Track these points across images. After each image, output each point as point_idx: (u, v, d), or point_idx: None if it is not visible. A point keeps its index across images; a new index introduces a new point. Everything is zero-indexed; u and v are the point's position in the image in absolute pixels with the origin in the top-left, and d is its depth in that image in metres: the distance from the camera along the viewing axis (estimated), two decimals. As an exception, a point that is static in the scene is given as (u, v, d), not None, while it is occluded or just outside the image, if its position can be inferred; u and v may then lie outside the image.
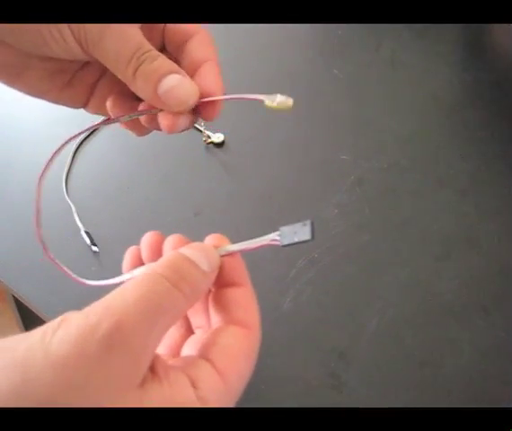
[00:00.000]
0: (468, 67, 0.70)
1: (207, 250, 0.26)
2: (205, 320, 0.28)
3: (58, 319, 0.21)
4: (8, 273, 0.53)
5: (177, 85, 0.29)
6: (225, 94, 0.35)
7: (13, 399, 0.20)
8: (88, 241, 0.53)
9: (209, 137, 0.60)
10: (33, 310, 0.50)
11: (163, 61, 0.29)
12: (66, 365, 0.20)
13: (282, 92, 0.30)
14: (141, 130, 0.32)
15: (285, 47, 0.73)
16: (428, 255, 0.52)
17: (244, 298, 0.27)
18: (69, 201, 0.57)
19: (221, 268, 0.26)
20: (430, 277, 0.50)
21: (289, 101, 0.31)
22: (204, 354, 0.24)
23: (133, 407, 0.21)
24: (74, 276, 0.34)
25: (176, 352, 0.29)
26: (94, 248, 0.53)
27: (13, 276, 0.52)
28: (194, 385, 0.22)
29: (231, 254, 0.28)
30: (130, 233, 0.55)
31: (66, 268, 0.34)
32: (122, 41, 0.28)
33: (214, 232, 0.55)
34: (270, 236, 0.30)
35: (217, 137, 0.61)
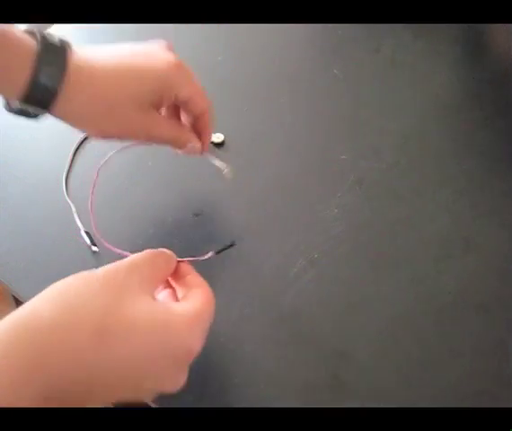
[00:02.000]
0: (468, 67, 0.70)
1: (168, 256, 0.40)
2: None
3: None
4: (8, 273, 0.53)
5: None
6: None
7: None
8: (88, 241, 0.53)
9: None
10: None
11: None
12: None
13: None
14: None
15: (285, 47, 0.73)
16: (428, 255, 0.52)
17: (194, 277, 0.39)
18: (69, 201, 0.57)
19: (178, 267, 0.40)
20: (430, 277, 0.50)
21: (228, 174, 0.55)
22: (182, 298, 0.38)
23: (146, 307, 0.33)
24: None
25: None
26: (94, 248, 0.53)
27: (13, 276, 0.52)
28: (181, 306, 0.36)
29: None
30: (130, 233, 0.55)
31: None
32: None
33: (214, 232, 0.56)
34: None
35: (217, 137, 0.61)
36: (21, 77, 0.42)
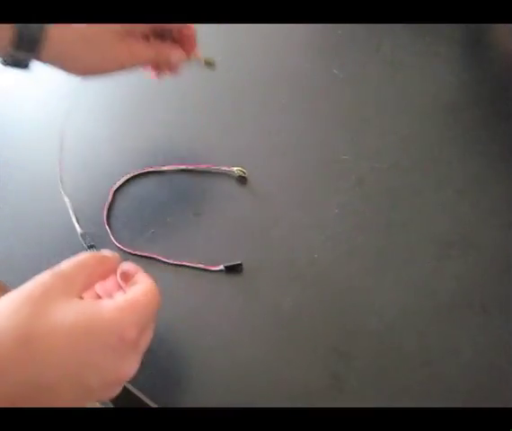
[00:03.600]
0: (468, 67, 0.70)
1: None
2: None
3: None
4: (8, 273, 0.53)
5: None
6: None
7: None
8: (84, 244, 0.53)
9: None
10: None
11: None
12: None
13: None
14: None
15: (285, 47, 0.73)
16: (428, 255, 0.52)
17: (142, 276, 0.40)
18: (67, 201, 0.57)
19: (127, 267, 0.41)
20: (430, 277, 0.50)
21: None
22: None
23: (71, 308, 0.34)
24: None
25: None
26: (91, 250, 0.53)
27: (13, 276, 0.52)
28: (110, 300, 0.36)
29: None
30: (130, 233, 0.55)
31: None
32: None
33: (214, 232, 0.56)
34: None
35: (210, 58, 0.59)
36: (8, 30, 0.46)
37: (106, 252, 0.40)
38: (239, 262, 0.51)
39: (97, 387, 0.34)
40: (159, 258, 0.52)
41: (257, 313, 0.49)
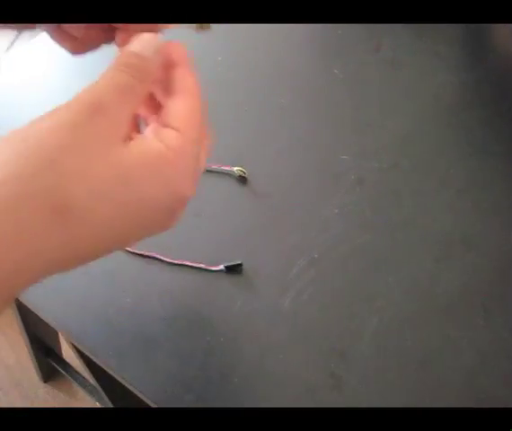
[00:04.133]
0: (468, 67, 0.70)
1: (150, 40, 0.32)
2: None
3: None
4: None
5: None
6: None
7: (19, 161, 0.25)
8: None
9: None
10: (33, 310, 0.50)
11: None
12: (58, 131, 0.26)
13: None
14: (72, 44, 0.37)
15: (285, 47, 0.73)
16: (428, 255, 0.52)
17: (182, 72, 0.33)
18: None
19: (165, 53, 0.33)
20: (430, 277, 0.50)
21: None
22: (162, 122, 0.31)
23: (117, 159, 0.27)
24: None
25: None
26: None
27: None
28: (160, 140, 0.29)
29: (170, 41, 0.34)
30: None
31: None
32: None
33: (214, 232, 0.56)
34: None
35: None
36: None
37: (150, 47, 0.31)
38: (239, 262, 0.51)
39: (134, 239, 0.31)
40: (159, 257, 0.52)
41: (257, 313, 0.49)
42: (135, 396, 0.45)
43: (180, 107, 0.31)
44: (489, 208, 0.55)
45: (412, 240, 0.53)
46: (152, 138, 0.29)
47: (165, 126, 0.31)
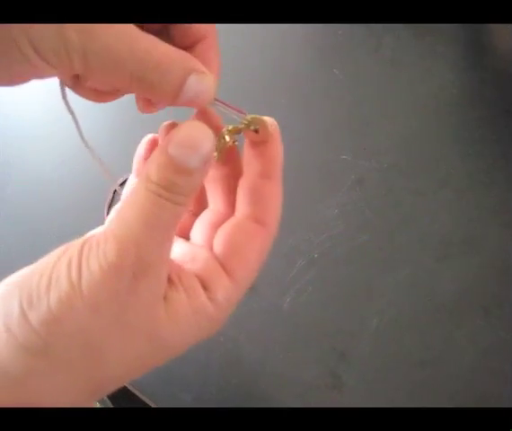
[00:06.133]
0: (468, 67, 0.70)
1: (196, 141, 0.23)
2: (220, 201, 0.29)
3: (75, 256, 0.22)
4: (8, 273, 0.53)
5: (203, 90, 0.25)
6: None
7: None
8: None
9: None
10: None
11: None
12: (100, 305, 0.21)
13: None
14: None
15: (285, 47, 0.73)
16: (428, 255, 0.52)
17: (268, 193, 0.27)
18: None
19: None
20: (430, 277, 0.50)
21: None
22: (215, 252, 0.25)
23: (163, 317, 0.22)
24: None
25: (185, 234, 0.30)
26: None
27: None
28: (205, 287, 0.24)
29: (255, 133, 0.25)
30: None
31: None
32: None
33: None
34: None
35: None
36: None
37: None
38: None
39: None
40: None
41: (257, 313, 0.49)
42: (134, 396, 0.45)
43: (242, 242, 0.25)
44: (489, 208, 0.55)
45: (412, 240, 0.53)
46: (195, 284, 0.24)
47: (216, 257, 0.25)
